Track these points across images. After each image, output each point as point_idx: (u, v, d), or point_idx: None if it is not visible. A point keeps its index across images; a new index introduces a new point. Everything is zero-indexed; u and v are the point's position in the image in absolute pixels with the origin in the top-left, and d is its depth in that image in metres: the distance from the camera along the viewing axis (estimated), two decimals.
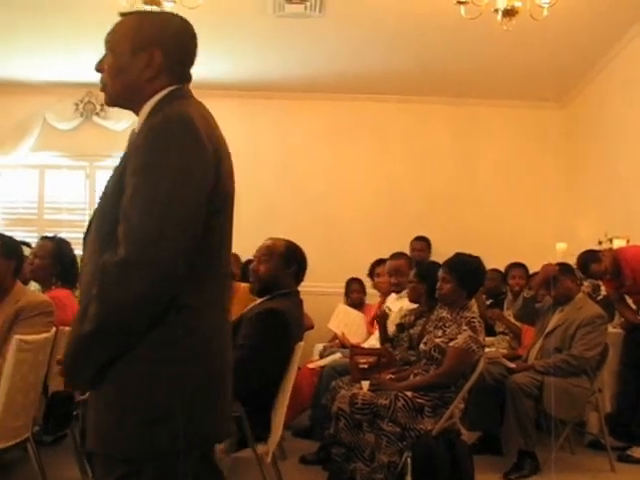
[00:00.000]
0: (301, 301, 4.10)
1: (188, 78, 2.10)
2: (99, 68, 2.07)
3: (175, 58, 2.03)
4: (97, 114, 8.26)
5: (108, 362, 1.82)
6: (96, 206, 2.03)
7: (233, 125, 8.14)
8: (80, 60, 7.23)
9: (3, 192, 8.59)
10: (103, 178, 8.28)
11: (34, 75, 7.87)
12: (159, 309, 1.79)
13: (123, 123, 8.05)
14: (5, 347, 3.47)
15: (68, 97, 8.26)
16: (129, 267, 1.74)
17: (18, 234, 7.70)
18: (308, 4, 5.97)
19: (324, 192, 8.30)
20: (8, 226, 8.45)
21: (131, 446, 1.83)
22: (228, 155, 2.02)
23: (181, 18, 2.14)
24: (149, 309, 1.78)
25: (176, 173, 1.78)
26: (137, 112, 2.04)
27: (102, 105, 8.16)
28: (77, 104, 8.31)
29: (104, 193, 1.99)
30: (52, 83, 8.01)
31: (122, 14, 2.12)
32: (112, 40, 2.04)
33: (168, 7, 4.80)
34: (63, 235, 5.27)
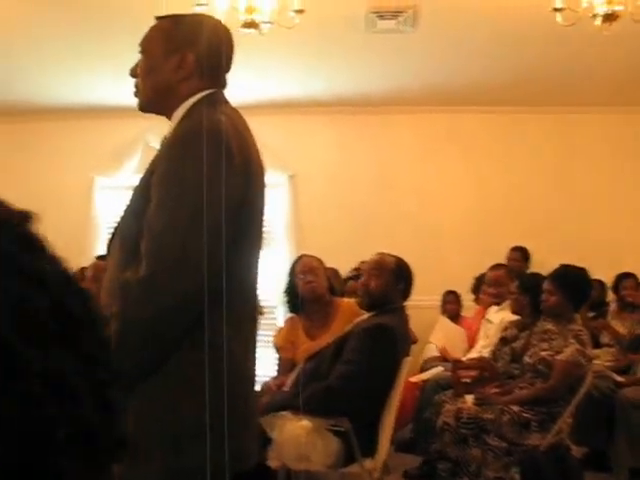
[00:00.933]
0: (407, 316, 4.10)
1: (224, 83, 2.06)
2: (133, 73, 2.07)
3: (208, 61, 1.97)
4: None
5: (133, 378, 1.72)
6: (120, 217, 1.98)
7: (326, 142, 8.39)
8: None
9: (107, 213, 8.82)
10: None
11: (135, 99, 8.04)
12: (183, 327, 1.73)
13: None
14: None
15: (167, 119, 8.36)
16: (152, 284, 1.69)
17: None
18: (401, 19, 5.97)
19: (417, 206, 8.25)
20: None
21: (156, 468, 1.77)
22: (261, 170, 1.96)
23: (217, 21, 2.11)
24: (172, 328, 1.72)
25: (202, 185, 1.71)
26: (170, 118, 2.00)
27: None
28: None
29: (128, 204, 1.96)
30: None
31: (157, 18, 2.10)
32: (145, 43, 2.03)
33: (265, 28, 4.92)
34: None
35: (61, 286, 0.51)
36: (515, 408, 4.12)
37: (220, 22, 2.13)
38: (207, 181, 1.70)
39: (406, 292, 4.14)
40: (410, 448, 5.44)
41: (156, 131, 8.31)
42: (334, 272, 6.03)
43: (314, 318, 4.61)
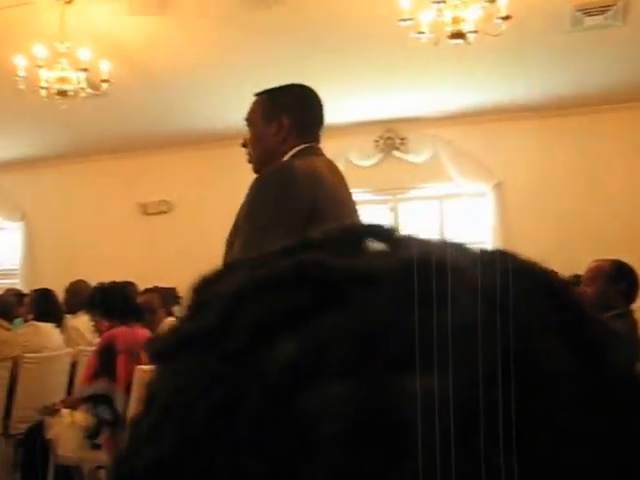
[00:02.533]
0: (636, 321, 3.90)
1: (317, 137, 2.44)
2: (244, 143, 2.44)
3: (300, 121, 2.38)
4: (397, 148, 8.44)
5: None
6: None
7: (531, 147, 8.11)
8: (378, 99, 7.60)
9: None
10: (407, 211, 8.66)
11: (336, 118, 7.93)
12: None
13: (424, 155, 8.28)
14: None
15: (368, 135, 8.54)
16: None
17: None
18: (610, 13, 5.77)
19: (630, 205, 7.82)
20: None
21: None
22: (342, 207, 2.25)
23: (304, 87, 2.51)
24: None
25: (266, 222, 2.03)
26: None
27: (402, 139, 8.43)
28: (377, 140, 8.56)
29: (227, 237, 2.24)
30: (352, 124, 8.25)
31: (256, 94, 2.51)
32: (250, 117, 2.45)
33: (471, 37, 4.92)
34: None
35: None
36: None
37: (306, 87, 2.51)
38: (271, 217, 2.05)
39: (630, 295, 3.94)
40: None
41: (357, 148, 8.57)
42: None
43: None
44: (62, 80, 5.85)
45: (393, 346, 0.33)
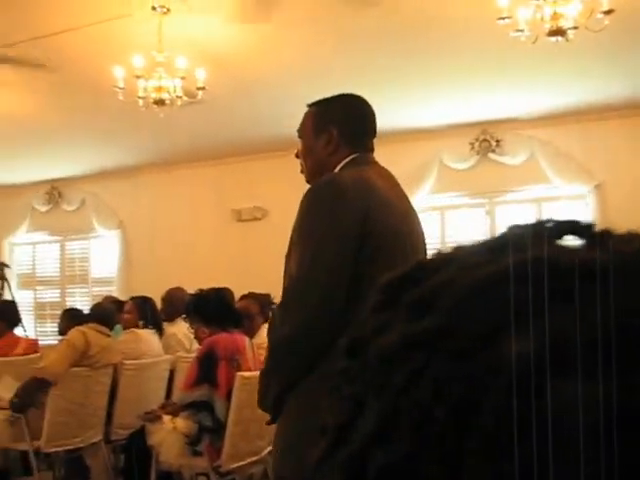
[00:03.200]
0: None
1: (367, 147, 2.46)
2: (297, 154, 2.50)
3: (350, 132, 2.40)
4: (493, 151, 8.31)
5: (278, 397, 2.11)
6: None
7: (631, 147, 7.87)
8: (473, 100, 7.52)
9: None
10: (503, 214, 8.48)
11: (430, 120, 8.16)
12: (308, 352, 2.03)
13: (520, 157, 8.14)
14: None
15: (463, 137, 8.44)
16: (283, 314, 2.08)
17: None
18: None
19: None
20: None
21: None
22: (395, 212, 2.23)
23: (353, 97, 2.54)
24: (296, 351, 2.06)
25: (319, 236, 2.08)
26: None
27: (497, 141, 8.30)
28: (472, 143, 8.43)
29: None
30: (446, 126, 8.24)
31: (308, 105, 2.57)
32: (301, 129, 2.49)
33: (571, 34, 4.80)
34: None
35: None
36: None
37: (355, 96, 2.54)
38: (323, 231, 2.08)
39: None
40: None
41: (451, 151, 8.48)
42: None
43: None
44: (159, 89, 5.95)
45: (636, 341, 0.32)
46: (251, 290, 6.20)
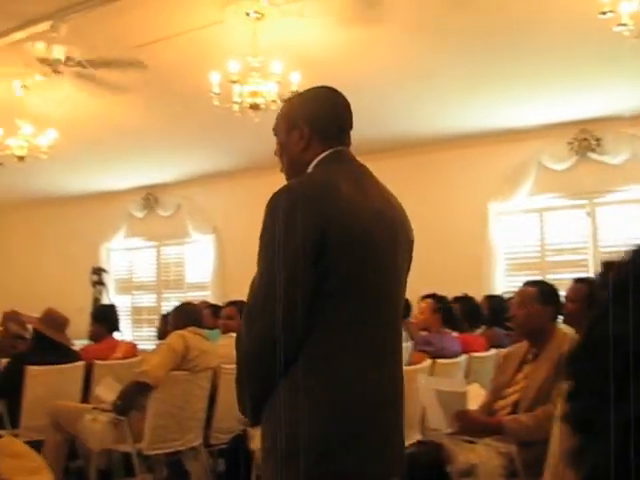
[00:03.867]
0: None
1: (343, 141, 2.35)
2: (275, 152, 2.43)
3: (322, 127, 2.31)
4: (593, 150, 8.13)
5: (255, 404, 2.14)
6: None
7: None
8: (572, 98, 7.43)
9: (505, 238, 8.77)
10: (605, 215, 8.29)
11: (528, 120, 8.08)
12: (273, 362, 2.03)
13: (622, 156, 7.94)
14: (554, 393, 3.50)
15: (561, 137, 8.29)
16: (247, 325, 2.12)
17: (520, 278, 7.65)
18: None
19: None
20: (511, 271, 8.74)
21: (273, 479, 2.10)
22: (360, 219, 2.15)
23: (325, 91, 2.43)
24: (262, 361, 2.07)
25: (276, 247, 2.05)
26: None
27: (598, 140, 8.13)
28: (571, 143, 8.28)
29: None
30: (545, 125, 8.13)
31: (282, 101, 2.54)
32: (275, 126, 2.43)
33: None
34: (564, 276, 5.82)
35: None
36: None
37: (330, 90, 2.42)
38: (278, 242, 2.05)
39: None
40: None
41: (550, 151, 8.33)
42: None
43: None
44: (254, 94, 6.02)
45: None
46: None
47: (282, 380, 2.07)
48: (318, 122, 2.32)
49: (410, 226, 2.43)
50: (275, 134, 2.42)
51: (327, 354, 2.09)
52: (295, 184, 2.20)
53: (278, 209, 2.10)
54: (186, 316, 5.31)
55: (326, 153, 2.29)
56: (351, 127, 2.40)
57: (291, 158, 2.36)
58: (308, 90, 2.51)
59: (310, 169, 2.29)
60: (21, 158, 7.68)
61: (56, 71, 6.59)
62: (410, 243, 2.42)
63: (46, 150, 7.68)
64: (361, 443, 2.12)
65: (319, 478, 2.05)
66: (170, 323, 5.42)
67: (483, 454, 3.62)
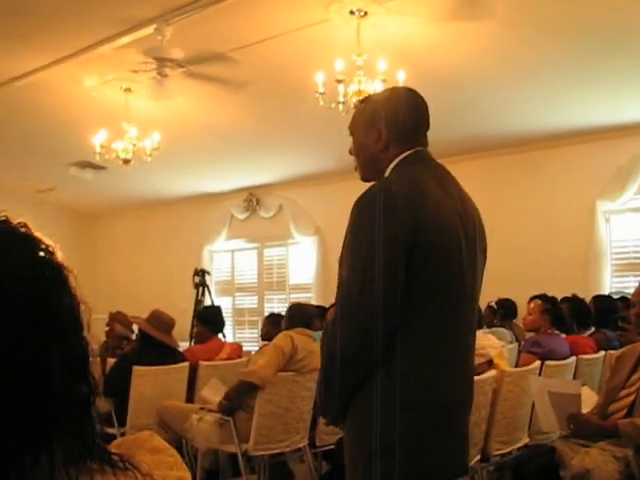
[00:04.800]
0: None
1: (421, 142, 2.40)
2: (351, 152, 2.51)
3: (399, 129, 2.37)
4: None
5: (342, 402, 2.21)
6: None
7: None
8: None
9: (613, 238, 8.56)
10: None
11: (635, 117, 7.87)
12: (363, 361, 2.13)
13: None
14: None
15: None
16: (337, 324, 2.14)
17: (629, 279, 8.03)
18: None
19: None
20: (619, 271, 8.52)
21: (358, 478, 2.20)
22: (446, 219, 2.22)
23: (404, 91, 2.52)
24: (352, 360, 2.13)
25: (368, 247, 2.11)
26: None
27: None
28: None
29: None
30: None
31: (359, 101, 2.65)
32: (351, 126, 2.51)
33: None
34: None
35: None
36: None
37: (407, 91, 2.50)
38: (371, 240, 2.11)
39: None
40: None
41: None
42: None
43: None
44: (359, 93, 5.99)
45: None
46: None
47: (375, 376, 2.15)
48: (397, 123, 2.39)
49: (484, 228, 2.45)
50: (351, 133, 2.51)
51: (414, 354, 2.17)
52: (386, 184, 2.26)
53: (371, 210, 2.16)
54: (300, 316, 5.35)
55: (407, 153, 2.36)
56: (428, 127, 2.46)
57: (370, 157, 2.44)
58: (387, 90, 2.63)
59: (390, 169, 2.36)
60: (126, 161, 7.86)
61: (161, 74, 6.74)
62: (485, 245, 2.45)
63: (150, 153, 7.86)
64: (446, 439, 2.23)
65: (411, 472, 2.13)
66: (283, 323, 5.46)
67: (598, 458, 3.55)
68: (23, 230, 0.99)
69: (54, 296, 0.96)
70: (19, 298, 0.92)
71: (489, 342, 5.30)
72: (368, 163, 2.45)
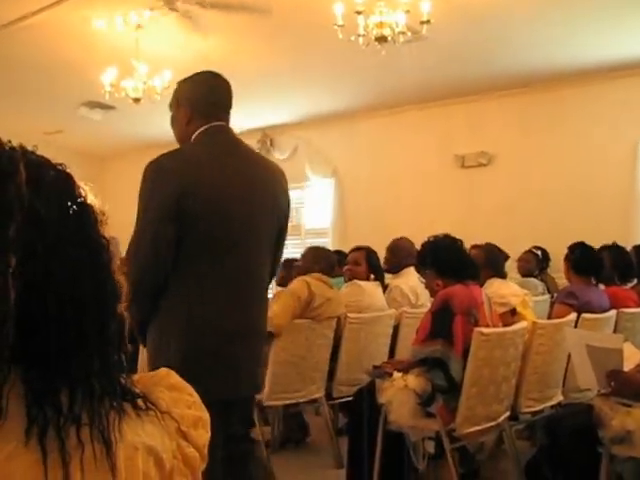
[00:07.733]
0: None
1: (219, 118, 3.06)
2: (170, 124, 3.21)
3: (200, 106, 3.04)
4: None
5: (141, 327, 2.94)
6: None
7: None
8: None
9: None
10: None
11: None
12: (147, 291, 2.82)
13: None
14: None
15: None
16: (128, 265, 2.79)
17: None
18: None
19: None
20: None
21: None
22: (217, 185, 2.89)
23: (206, 76, 3.16)
24: (139, 291, 2.76)
25: (144, 206, 2.85)
26: None
27: None
28: None
29: None
30: None
31: (177, 83, 3.24)
32: (170, 103, 3.21)
33: None
34: None
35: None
36: None
37: (211, 74, 3.16)
38: (144, 205, 2.86)
39: None
40: None
41: None
42: None
43: None
44: (380, 25, 5.83)
45: None
46: (474, 241, 5.95)
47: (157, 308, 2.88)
48: (197, 102, 3.06)
49: (286, 194, 3.18)
50: (170, 107, 3.20)
51: (190, 289, 2.86)
52: (161, 158, 2.90)
53: (146, 178, 2.87)
54: (324, 260, 5.29)
55: (204, 127, 3.00)
56: (230, 106, 3.14)
57: (180, 130, 3.12)
58: (194, 74, 3.19)
59: (192, 139, 3.02)
60: (137, 100, 7.81)
61: (172, 9, 6.59)
62: (284, 211, 3.16)
63: (160, 92, 7.74)
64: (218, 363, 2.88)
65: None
66: (301, 266, 5.38)
67: None
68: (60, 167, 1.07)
69: (92, 231, 1.06)
70: (67, 227, 1.02)
71: (509, 290, 5.22)
72: (179, 134, 3.13)
